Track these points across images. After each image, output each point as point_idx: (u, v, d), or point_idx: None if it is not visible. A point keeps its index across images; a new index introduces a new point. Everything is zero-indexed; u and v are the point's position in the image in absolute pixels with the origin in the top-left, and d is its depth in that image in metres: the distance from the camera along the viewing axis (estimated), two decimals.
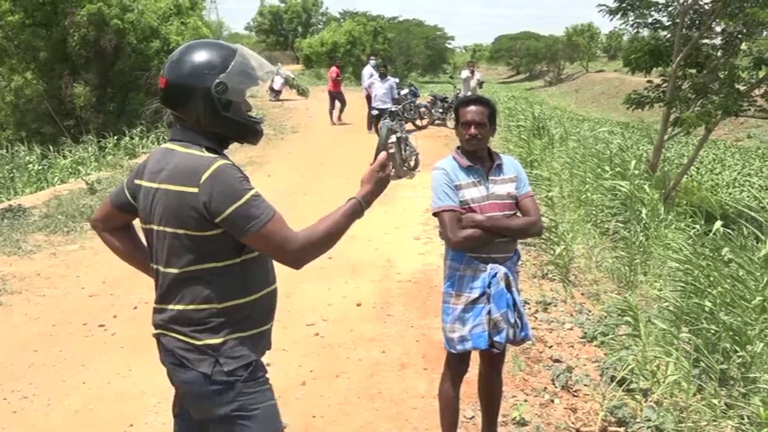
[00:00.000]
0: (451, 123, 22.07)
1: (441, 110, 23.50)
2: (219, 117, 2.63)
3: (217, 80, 2.59)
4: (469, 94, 21.83)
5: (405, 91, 22.12)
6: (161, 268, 2.67)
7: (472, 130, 4.04)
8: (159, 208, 2.61)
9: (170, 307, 2.65)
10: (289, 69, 35.86)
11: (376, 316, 7.12)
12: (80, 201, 11.93)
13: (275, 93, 30.54)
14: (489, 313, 4.01)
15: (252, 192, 2.54)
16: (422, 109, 22.83)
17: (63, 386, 5.68)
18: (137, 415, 5.20)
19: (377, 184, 2.81)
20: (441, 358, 5.71)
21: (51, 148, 19.40)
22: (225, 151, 2.71)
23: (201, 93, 2.59)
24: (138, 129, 20.96)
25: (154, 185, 2.63)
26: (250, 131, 2.77)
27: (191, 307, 2.61)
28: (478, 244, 3.99)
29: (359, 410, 5.27)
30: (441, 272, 7.69)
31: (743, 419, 4.90)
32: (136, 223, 2.92)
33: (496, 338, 4.03)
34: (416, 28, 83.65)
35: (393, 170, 10.35)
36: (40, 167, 17.87)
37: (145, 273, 2.99)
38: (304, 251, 2.60)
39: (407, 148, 15.11)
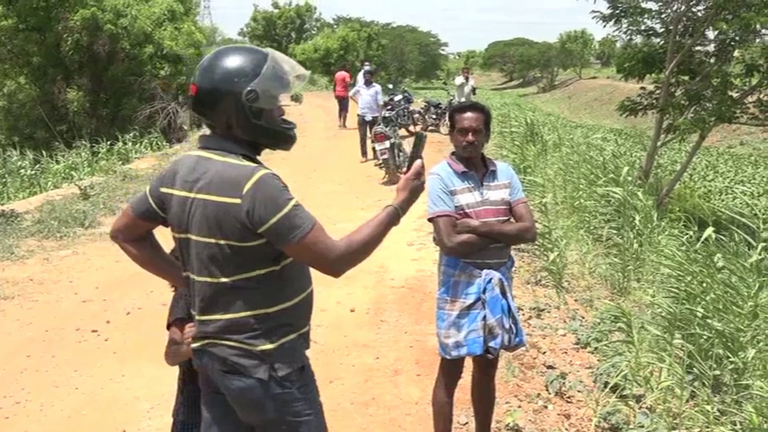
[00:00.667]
0: (444, 129, 22.10)
1: (434, 116, 23.53)
2: (250, 125, 2.62)
3: (249, 88, 2.56)
4: (463, 100, 21.87)
5: (399, 97, 22.13)
6: (199, 278, 2.64)
7: (470, 137, 4.06)
8: (197, 218, 2.59)
9: (218, 317, 2.63)
10: None
11: (369, 321, 7.12)
12: (73, 206, 11.92)
13: None
14: (484, 318, 4.02)
15: (293, 201, 2.54)
16: (416, 115, 22.85)
17: (56, 392, 5.67)
18: (130, 421, 5.20)
19: (412, 192, 2.80)
20: (434, 364, 5.71)
21: (44, 152, 19.41)
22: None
23: (232, 100, 2.57)
24: (131, 134, 21.02)
25: (191, 195, 2.59)
26: (282, 138, 2.75)
27: (243, 314, 2.60)
28: (473, 249, 3.99)
29: (353, 416, 5.26)
30: (434, 278, 7.69)
31: (736, 426, 4.91)
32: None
33: (491, 344, 4.04)
34: (410, 34, 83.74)
35: (386, 176, 10.40)
36: (33, 172, 17.85)
37: (169, 281, 3.00)
38: (343, 260, 2.60)
39: (401, 154, 15.12)
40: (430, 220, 4.10)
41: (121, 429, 5.10)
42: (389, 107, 19.56)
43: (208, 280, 2.61)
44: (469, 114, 4.10)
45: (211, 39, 52.68)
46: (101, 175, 16.16)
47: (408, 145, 15.93)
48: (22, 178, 17.42)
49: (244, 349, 2.60)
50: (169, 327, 3.22)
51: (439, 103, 24.05)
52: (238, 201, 2.49)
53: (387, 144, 14.55)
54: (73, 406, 5.43)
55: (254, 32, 73.73)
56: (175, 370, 5.89)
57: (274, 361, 2.62)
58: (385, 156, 14.66)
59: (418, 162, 2.84)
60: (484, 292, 4.02)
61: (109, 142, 19.81)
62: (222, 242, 2.54)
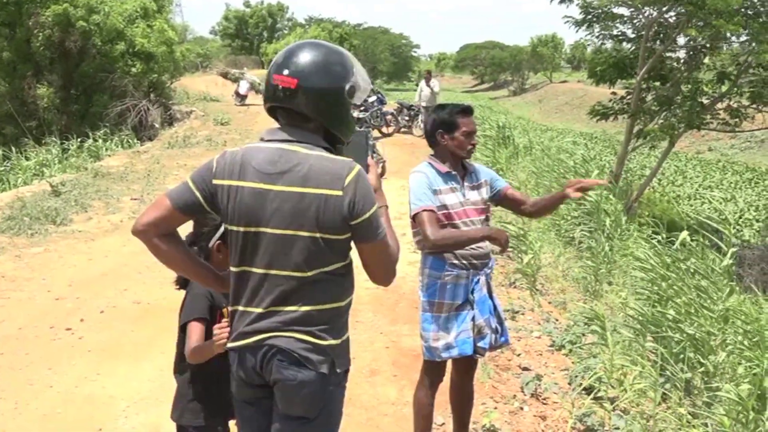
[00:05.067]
0: (417, 131, 22.15)
1: (407, 118, 23.55)
2: (347, 117, 2.69)
3: (350, 83, 2.64)
4: (424, 104, 22.01)
5: (372, 98, 22.14)
6: (274, 271, 2.60)
7: (474, 140, 4.15)
8: (282, 211, 2.55)
9: (292, 308, 2.61)
10: (255, 74, 35.58)
11: None
12: (44, 203, 11.79)
13: (241, 98, 30.34)
14: (473, 319, 4.06)
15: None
16: (389, 117, 22.87)
17: (30, 390, 5.63)
18: (106, 420, 5.17)
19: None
20: (411, 366, 5.77)
21: (13, 149, 19.15)
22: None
23: (335, 94, 2.62)
24: (102, 131, 20.78)
25: (275, 187, 2.55)
26: (351, 131, 2.80)
27: (319, 307, 2.62)
28: (453, 247, 4.04)
29: None
30: (409, 279, 7.81)
31: (708, 428, 4.99)
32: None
33: (480, 344, 4.09)
34: (382, 35, 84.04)
35: None
36: (2, 168, 17.63)
37: (200, 281, 2.91)
38: (394, 266, 2.71)
39: (375, 155, 15.15)
40: (413, 215, 4.07)
41: (97, 428, 5.07)
42: (362, 108, 19.56)
43: (293, 273, 2.59)
44: (472, 117, 4.18)
45: (182, 37, 52.32)
46: (72, 172, 15.99)
47: (382, 146, 16.00)
48: None
49: (313, 343, 2.61)
50: (184, 325, 3.23)
51: (412, 105, 24.09)
52: (339, 193, 2.52)
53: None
54: (48, 405, 5.39)
55: (226, 31, 73.54)
56: (150, 369, 5.92)
57: (336, 357, 2.66)
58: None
59: (370, 159, 2.92)
60: (472, 292, 4.07)
61: (79, 139, 19.58)
62: (317, 235, 2.54)
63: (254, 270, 2.64)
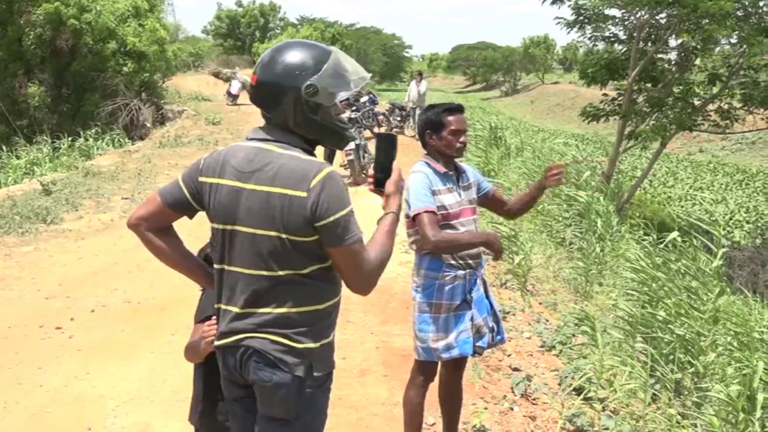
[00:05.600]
0: (409, 131, 22.16)
1: (399, 118, 23.54)
2: (307, 119, 2.62)
3: (308, 82, 2.57)
4: (411, 104, 22.11)
5: (364, 98, 22.11)
6: (248, 271, 2.61)
7: (463, 138, 4.13)
8: (252, 210, 2.56)
9: (268, 310, 2.60)
10: (247, 73, 35.53)
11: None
12: (35, 202, 11.77)
13: (233, 97, 30.33)
14: (472, 318, 4.07)
15: (351, 206, 2.57)
16: (380, 117, 22.85)
17: (19, 389, 5.61)
18: (96, 419, 5.16)
19: (401, 194, 2.86)
20: (401, 365, 5.76)
21: (3, 147, 19.10)
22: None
23: (291, 93, 2.58)
24: (93, 130, 20.76)
25: (247, 186, 2.56)
26: (336, 136, 2.75)
27: (295, 309, 2.60)
28: (455, 249, 4.04)
29: None
30: (400, 279, 7.81)
31: (697, 428, 5.01)
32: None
33: (479, 343, 4.11)
34: (374, 35, 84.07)
35: (351, 177, 10.40)
36: None
37: (191, 277, 2.93)
38: (373, 276, 2.63)
39: (366, 155, 15.15)
40: (413, 217, 4.04)
41: (87, 427, 5.05)
42: (354, 108, 19.55)
43: (263, 273, 2.59)
44: (460, 116, 4.15)
45: (174, 36, 52.22)
46: (63, 171, 15.97)
47: (373, 146, 15.97)
48: None
49: (288, 345, 2.60)
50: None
51: (404, 106, 24.08)
52: (304, 194, 2.49)
53: (352, 145, 14.54)
54: (37, 404, 5.38)
55: (218, 30, 73.32)
56: (140, 368, 5.91)
57: (313, 361, 2.64)
58: (351, 157, 14.68)
59: (396, 163, 2.88)
60: (470, 292, 4.08)
61: (70, 138, 19.57)
62: (283, 236, 2.53)
63: (231, 268, 2.66)
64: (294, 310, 2.60)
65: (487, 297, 4.19)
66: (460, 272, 4.09)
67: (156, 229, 2.78)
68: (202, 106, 28.96)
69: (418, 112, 22.01)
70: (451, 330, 4.08)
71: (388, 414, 5.27)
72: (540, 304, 8.09)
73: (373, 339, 6.71)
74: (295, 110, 2.60)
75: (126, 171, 15.67)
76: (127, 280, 8.25)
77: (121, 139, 21.30)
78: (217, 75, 42.35)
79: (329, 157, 15.52)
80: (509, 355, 6.43)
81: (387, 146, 2.92)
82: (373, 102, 23.17)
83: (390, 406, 5.37)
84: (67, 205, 12.00)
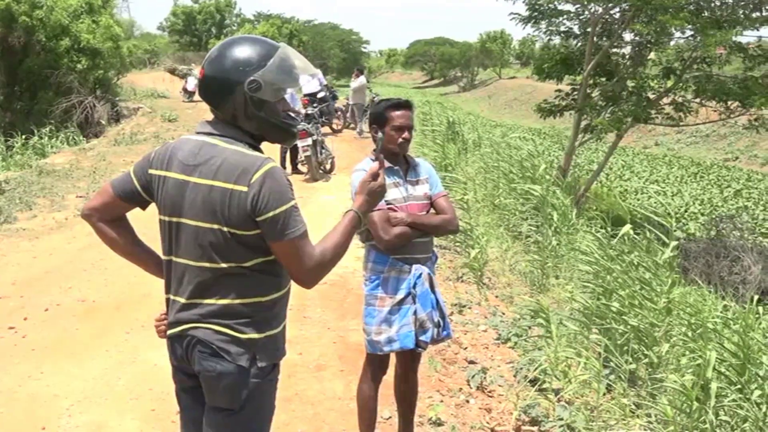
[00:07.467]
0: (367, 127, 22.10)
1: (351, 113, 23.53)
2: (251, 115, 2.62)
3: (252, 77, 2.57)
4: (346, 101, 22.28)
5: (322, 93, 22.06)
6: (193, 263, 2.63)
7: (405, 134, 4.12)
8: (195, 203, 2.57)
9: (212, 301, 2.62)
10: None
11: (292, 317, 7.03)
12: None
13: (189, 94, 30.13)
14: (415, 313, 4.07)
15: (294, 201, 2.56)
16: (338, 113, 22.82)
17: None
18: (50, 418, 5.08)
19: (370, 194, 2.84)
20: (358, 360, 5.74)
21: None
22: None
23: (235, 89, 2.58)
24: (47, 129, 20.51)
25: (192, 179, 2.58)
26: (281, 133, 2.75)
27: (238, 301, 2.60)
28: (408, 241, 4.04)
29: (276, 412, 5.24)
30: (357, 274, 7.78)
31: (651, 418, 5.06)
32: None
33: (422, 337, 4.10)
34: (331, 31, 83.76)
35: (309, 173, 10.38)
36: None
37: (142, 266, 2.95)
38: (317, 269, 2.62)
39: (323, 151, 15.12)
40: None
41: (41, 427, 4.98)
42: (314, 104, 19.49)
43: (207, 265, 2.60)
44: (403, 111, 4.14)
45: (129, 33, 51.66)
46: (16, 169, 15.78)
47: (330, 142, 15.95)
48: None
49: (231, 336, 2.61)
50: None
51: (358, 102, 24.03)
52: (245, 189, 2.49)
53: (309, 141, 14.48)
54: None
55: (174, 27, 72.79)
56: (94, 367, 5.84)
57: (257, 351, 2.65)
58: (308, 153, 14.62)
59: (374, 164, 2.89)
60: (414, 287, 4.07)
61: (24, 137, 19.31)
62: (225, 229, 2.54)
63: (178, 260, 2.68)
64: (237, 301, 2.61)
65: (433, 292, 4.18)
66: (406, 266, 4.10)
67: (108, 219, 2.84)
68: (158, 103, 28.72)
69: (356, 108, 22.20)
70: (394, 323, 4.08)
71: (344, 408, 5.27)
72: (496, 297, 8.12)
73: (330, 334, 6.69)
74: (240, 105, 2.61)
75: (81, 169, 15.49)
76: (81, 278, 8.14)
77: (76, 137, 21.05)
78: (173, 72, 42.06)
79: (292, 155, 15.45)
80: (465, 348, 6.44)
81: (378, 144, 2.97)
82: (334, 97, 23.14)
83: (346, 400, 5.37)
84: (20, 204, 11.85)
